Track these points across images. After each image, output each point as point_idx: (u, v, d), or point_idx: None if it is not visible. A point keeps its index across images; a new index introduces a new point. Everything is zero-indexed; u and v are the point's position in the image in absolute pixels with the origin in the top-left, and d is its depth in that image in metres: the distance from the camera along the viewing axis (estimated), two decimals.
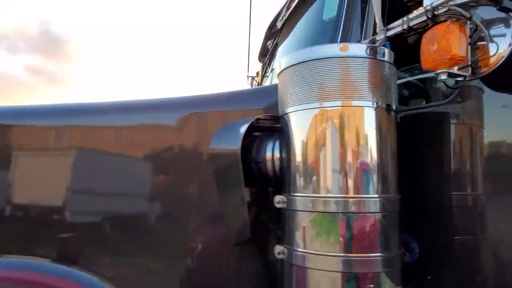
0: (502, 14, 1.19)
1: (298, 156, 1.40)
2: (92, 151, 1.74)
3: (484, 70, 1.19)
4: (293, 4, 2.61)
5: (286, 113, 1.45)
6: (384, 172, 1.33)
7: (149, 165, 1.72)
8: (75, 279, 1.56)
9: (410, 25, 1.27)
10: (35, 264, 1.59)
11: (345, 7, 1.89)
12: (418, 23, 1.26)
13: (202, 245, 1.59)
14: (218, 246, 1.59)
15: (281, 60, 1.50)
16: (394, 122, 1.38)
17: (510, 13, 1.17)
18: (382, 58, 1.35)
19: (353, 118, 1.33)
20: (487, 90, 1.39)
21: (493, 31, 1.20)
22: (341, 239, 1.30)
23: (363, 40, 1.79)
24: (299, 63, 1.41)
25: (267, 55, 3.69)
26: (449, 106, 1.45)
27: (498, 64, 1.16)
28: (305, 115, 1.39)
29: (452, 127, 1.48)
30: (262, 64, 3.07)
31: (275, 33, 3.12)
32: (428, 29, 1.24)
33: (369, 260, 1.28)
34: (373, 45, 1.37)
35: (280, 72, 1.51)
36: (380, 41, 1.40)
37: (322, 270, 1.32)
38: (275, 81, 2.71)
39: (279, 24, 2.96)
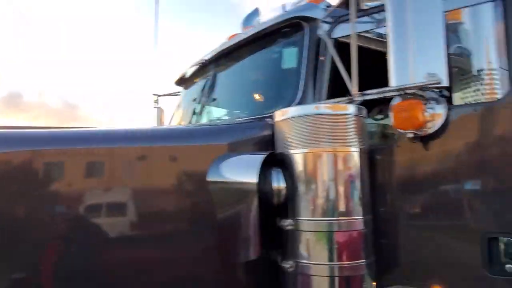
0: (436, 95, 1.83)
1: (302, 188, 1.78)
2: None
3: (429, 131, 1.81)
4: (231, 44, 2.93)
5: (289, 153, 1.82)
6: (364, 199, 1.82)
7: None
8: None
9: (384, 95, 1.81)
10: None
11: (304, 61, 2.36)
12: (390, 95, 1.81)
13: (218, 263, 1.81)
14: (231, 262, 1.83)
15: (283, 111, 1.88)
16: (367, 161, 1.89)
17: (441, 96, 1.82)
18: (361, 115, 1.86)
19: (343, 158, 1.79)
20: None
21: (432, 106, 1.83)
22: (337, 251, 1.73)
23: (318, 89, 2.29)
24: (301, 116, 1.81)
25: (185, 81, 3.89)
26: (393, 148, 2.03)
27: (435, 129, 1.80)
28: (307, 156, 1.79)
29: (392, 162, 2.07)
30: (201, 92, 3.19)
31: (205, 65, 3.34)
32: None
33: (358, 265, 1.74)
34: (357, 105, 1.85)
35: (282, 120, 1.88)
36: (358, 101, 1.90)
37: (323, 276, 1.73)
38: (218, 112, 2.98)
39: (211, 58, 3.19)
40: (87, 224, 1.75)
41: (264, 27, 2.65)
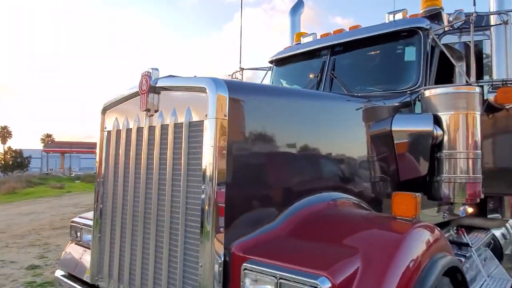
0: None
1: (448, 134, 3.14)
2: None
3: None
4: (349, 38, 4.15)
5: (438, 115, 3.15)
6: (479, 140, 3.21)
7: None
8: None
9: (493, 83, 3.19)
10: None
11: (421, 57, 3.67)
12: (496, 83, 3.19)
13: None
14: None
15: (430, 90, 3.21)
16: (481, 119, 3.27)
17: None
18: (481, 92, 3.23)
19: (472, 118, 3.15)
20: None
21: None
22: (466, 168, 3.13)
23: (429, 76, 3.63)
24: (447, 93, 3.14)
25: (281, 60, 5.02)
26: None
27: None
28: (451, 117, 3.14)
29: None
30: (317, 75, 4.30)
31: (314, 51, 4.51)
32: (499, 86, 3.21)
33: (476, 177, 3.15)
34: (479, 86, 3.21)
35: (431, 95, 3.20)
36: (474, 85, 3.25)
37: (458, 183, 3.13)
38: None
39: (324, 46, 4.37)
40: None
41: (385, 30, 3.89)
